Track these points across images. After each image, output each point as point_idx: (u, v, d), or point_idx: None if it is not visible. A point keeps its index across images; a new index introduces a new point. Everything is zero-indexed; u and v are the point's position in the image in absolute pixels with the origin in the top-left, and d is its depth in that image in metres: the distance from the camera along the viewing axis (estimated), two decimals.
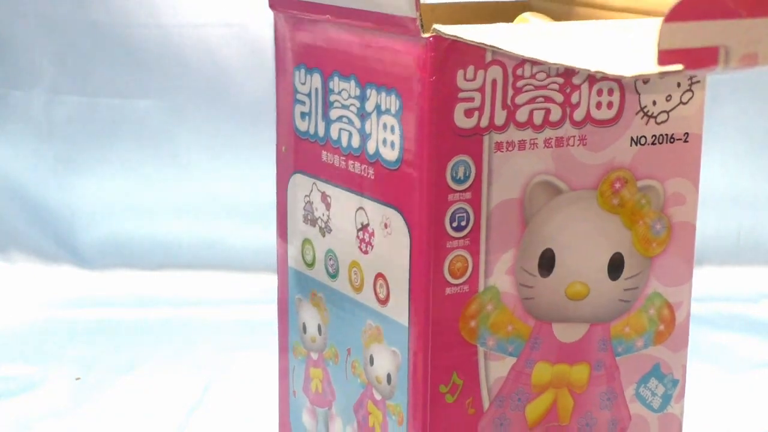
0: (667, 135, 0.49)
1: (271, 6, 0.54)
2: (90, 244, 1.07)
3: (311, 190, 0.53)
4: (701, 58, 0.33)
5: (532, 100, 0.45)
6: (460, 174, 0.44)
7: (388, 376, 0.48)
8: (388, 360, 0.48)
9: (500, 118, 0.44)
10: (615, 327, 0.49)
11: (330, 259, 0.52)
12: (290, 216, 0.56)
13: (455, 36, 0.41)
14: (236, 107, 1.04)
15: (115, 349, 0.89)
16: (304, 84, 0.52)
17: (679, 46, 0.33)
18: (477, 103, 0.44)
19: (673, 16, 0.32)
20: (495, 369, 0.47)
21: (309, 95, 0.52)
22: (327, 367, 0.54)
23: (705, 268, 1.03)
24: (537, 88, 0.45)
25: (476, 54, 0.43)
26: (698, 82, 0.49)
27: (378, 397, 0.49)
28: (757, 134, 1.02)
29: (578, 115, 0.46)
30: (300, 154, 0.54)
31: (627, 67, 0.34)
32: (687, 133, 0.49)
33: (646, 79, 0.47)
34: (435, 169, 0.44)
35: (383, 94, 0.46)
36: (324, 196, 0.52)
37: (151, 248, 1.06)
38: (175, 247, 1.06)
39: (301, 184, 0.54)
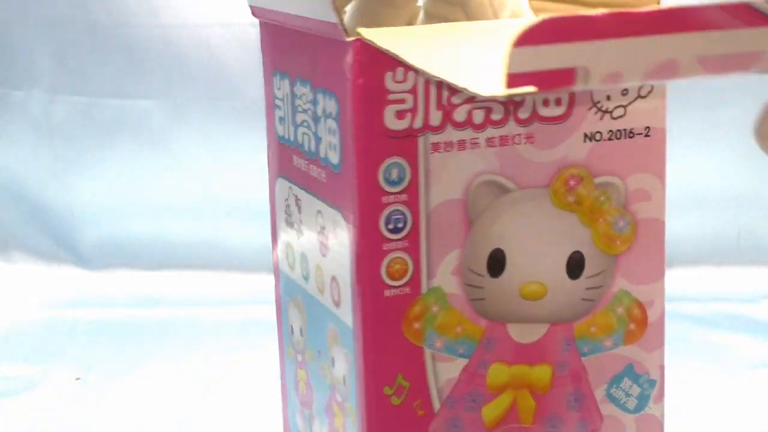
0: (625, 130, 0.48)
1: (253, 13, 0.55)
2: (90, 244, 1.07)
3: (288, 194, 0.53)
4: (556, 79, 0.33)
5: (470, 100, 0.44)
6: (394, 176, 0.44)
7: (344, 378, 0.48)
8: (343, 362, 0.48)
9: (435, 118, 0.44)
10: (579, 327, 0.49)
11: (303, 262, 0.52)
12: (277, 220, 0.56)
13: (371, 41, 0.41)
14: (236, 107, 1.04)
15: (115, 349, 0.89)
16: (279, 89, 0.53)
17: (530, 70, 0.33)
18: (409, 104, 0.43)
19: (523, 41, 0.32)
20: (444, 370, 0.47)
21: (282, 100, 0.52)
22: (307, 369, 0.54)
23: (705, 268, 1.03)
24: None
25: None
26: None
27: (339, 398, 0.50)
28: None
29: (523, 113, 0.45)
30: (280, 159, 0.54)
31: (485, 86, 0.34)
32: (648, 128, 0.48)
33: None
34: (367, 171, 0.43)
35: (326, 98, 0.46)
36: (297, 200, 0.52)
37: (151, 248, 1.06)
38: (175, 247, 1.06)
39: (281, 189, 0.54)
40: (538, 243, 0.47)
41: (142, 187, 1.06)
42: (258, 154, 1.04)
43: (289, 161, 0.53)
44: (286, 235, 0.55)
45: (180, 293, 1.02)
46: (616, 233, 0.48)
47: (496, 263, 0.47)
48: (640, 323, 0.50)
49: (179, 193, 1.06)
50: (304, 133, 0.50)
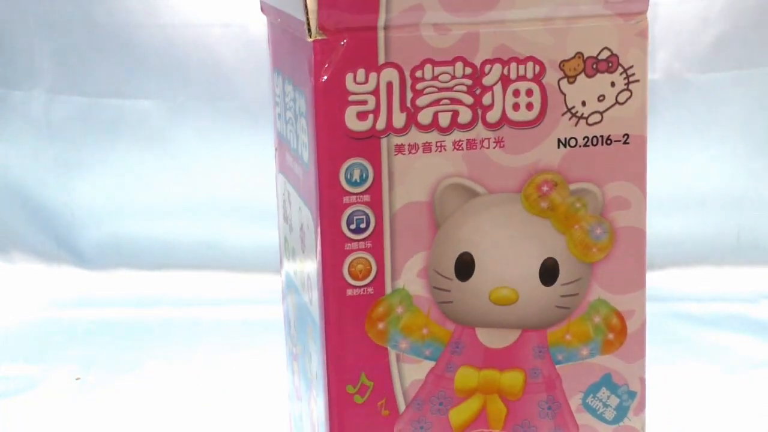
0: (602, 137, 0.47)
1: (261, 10, 0.56)
2: (90, 244, 1.07)
3: (284, 190, 0.54)
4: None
5: (435, 102, 0.44)
6: (356, 176, 0.44)
7: (317, 374, 0.49)
8: (316, 359, 0.49)
9: (399, 120, 0.44)
10: (553, 334, 0.48)
11: (293, 257, 0.53)
12: (278, 214, 0.57)
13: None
14: (236, 107, 1.04)
15: (115, 349, 0.89)
16: (277, 86, 0.54)
17: None
18: (371, 105, 0.43)
19: None
20: (410, 372, 0.47)
21: (280, 97, 0.53)
22: (299, 362, 0.55)
23: (705, 268, 1.03)
24: (440, 89, 0.44)
25: (368, 56, 0.43)
26: (637, 81, 0.47)
27: (314, 394, 0.50)
28: (757, 134, 1.02)
29: (492, 117, 0.45)
30: (280, 155, 0.55)
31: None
32: (627, 135, 0.47)
33: (571, 80, 0.46)
34: (328, 171, 0.44)
35: (300, 97, 0.46)
36: (289, 196, 0.53)
37: (151, 248, 1.06)
38: (175, 247, 1.06)
39: (280, 184, 0.55)
40: (509, 248, 0.47)
41: (142, 187, 1.06)
42: (258, 154, 1.04)
43: (283, 157, 0.54)
44: (283, 230, 0.56)
45: (180, 293, 1.02)
46: (592, 241, 0.48)
47: (464, 267, 0.47)
48: (619, 333, 0.49)
49: (179, 193, 1.06)
50: (290, 131, 0.50)
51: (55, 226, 1.08)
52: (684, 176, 1.03)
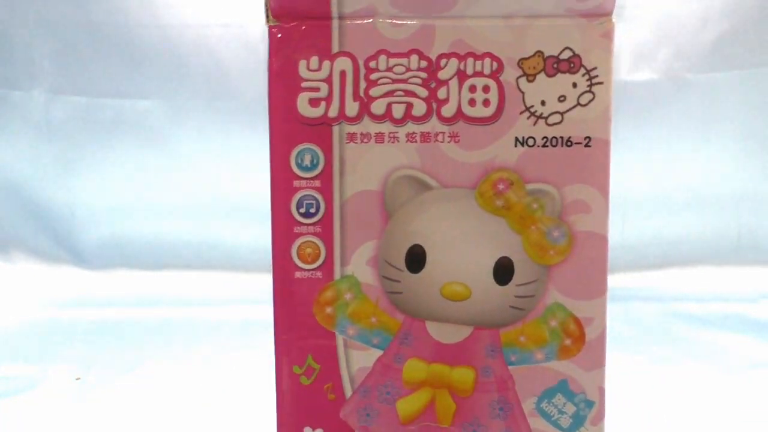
0: (561, 138, 0.46)
1: None
2: (90, 244, 1.07)
3: None
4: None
5: (389, 93, 0.45)
6: (306, 162, 0.45)
7: None
8: None
9: (352, 109, 0.45)
10: (507, 334, 0.48)
11: None
12: None
13: None
14: (236, 107, 1.04)
15: (115, 349, 0.89)
16: None
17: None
18: (323, 93, 0.44)
19: None
20: (357, 358, 0.47)
21: None
22: None
23: (705, 268, 1.03)
24: (395, 81, 0.45)
25: (321, 44, 0.44)
26: (600, 83, 0.46)
27: None
28: (757, 134, 1.03)
29: (447, 111, 0.45)
30: None
31: None
32: (588, 138, 0.46)
33: (531, 78, 0.45)
34: (279, 155, 0.45)
35: None
36: None
37: (151, 248, 1.06)
38: (175, 247, 1.06)
39: None
40: (462, 244, 0.47)
41: (142, 187, 1.06)
42: (258, 154, 1.04)
43: None
44: None
45: (180, 293, 1.02)
46: (549, 243, 0.47)
47: (415, 259, 0.47)
48: (577, 339, 0.48)
49: (179, 193, 1.06)
50: None
51: (55, 226, 1.08)
52: (684, 176, 1.03)
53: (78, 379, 0.82)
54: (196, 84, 1.04)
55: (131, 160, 1.06)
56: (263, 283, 1.01)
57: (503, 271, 0.47)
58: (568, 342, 0.48)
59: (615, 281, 1.02)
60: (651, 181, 1.03)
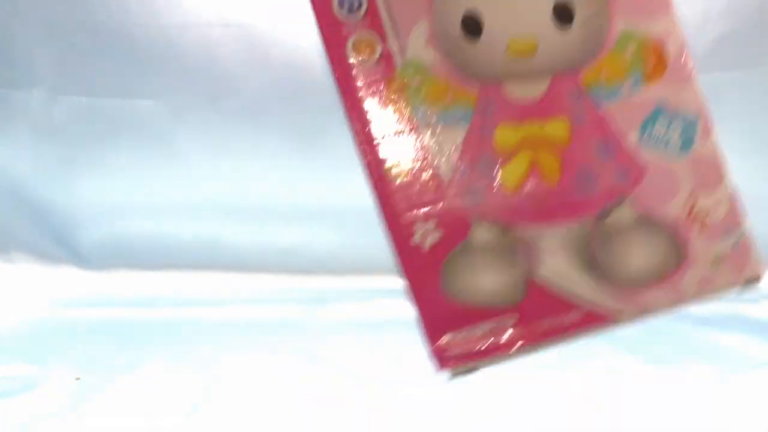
0: None
1: None
2: (90, 244, 1.07)
3: None
4: None
5: None
6: None
7: None
8: None
9: None
10: (587, 76, 0.47)
11: None
12: None
13: None
14: (236, 107, 1.04)
15: (115, 349, 0.89)
16: None
17: None
18: None
19: None
20: (446, 140, 0.47)
21: None
22: None
23: None
24: None
25: None
26: None
27: None
28: (757, 134, 1.02)
29: None
30: None
31: None
32: None
33: None
34: None
35: None
36: None
37: (151, 248, 1.06)
38: (175, 247, 1.06)
39: None
40: None
41: (142, 187, 1.06)
42: (258, 153, 1.04)
43: None
44: None
45: (180, 293, 1.02)
46: None
47: (473, 24, 0.46)
48: (659, 60, 0.47)
49: (179, 193, 1.06)
50: None
51: (55, 226, 1.08)
52: None
53: (78, 379, 0.82)
54: (196, 84, 1.03)
55: (131, 160, 1.06)
56: (263, 283, 1.01)
57: (562, 12, 0.46)
58: (650, 65, 0.47)
59: None
60: None
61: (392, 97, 0.46)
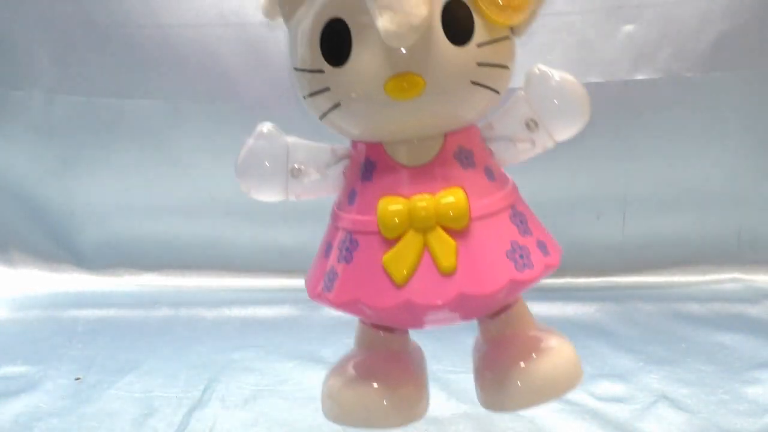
0: None
1: None
2: (90, 244, 1.07)
3: None
4: None
5: None
6: None
7: None
8: None
9: None
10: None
11: None
12: None
13: None
14: (236, 107, 1.04)
15: (115, 349, 0.89)
16: None
17: None
18: None
19: None
20: None
21: None
22: None
23: (705, 268, 1.03)
24: None
25: None
26: None
27: None
28: (757, 134, 1.02)
29: None
30: None
31: None
32: None
33: None
34: None
35: None
36: None
37: (151, 248, 1.06)
38: (175, 247, 1.06)
39: None
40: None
41: (141, 187, 1.06)
42: None
43: None
44: None
45: (180, 293, 1.02)
46: None
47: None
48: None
49: (179, 193, 1.06)
50: None
51: (55, 226, 1.08)
52: (684, 176, 1.03)
53: (78, 379, 0.82)
54: (196, 84, 1.03)
55: (131, 161, 1.06)
56: (263, 283, 1.01)
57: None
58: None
59: (615, 281, 1.02)
60: (651, 181, 1.03)
61: None
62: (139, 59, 1.03)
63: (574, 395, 0.74)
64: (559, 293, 0.98)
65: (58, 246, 1.07)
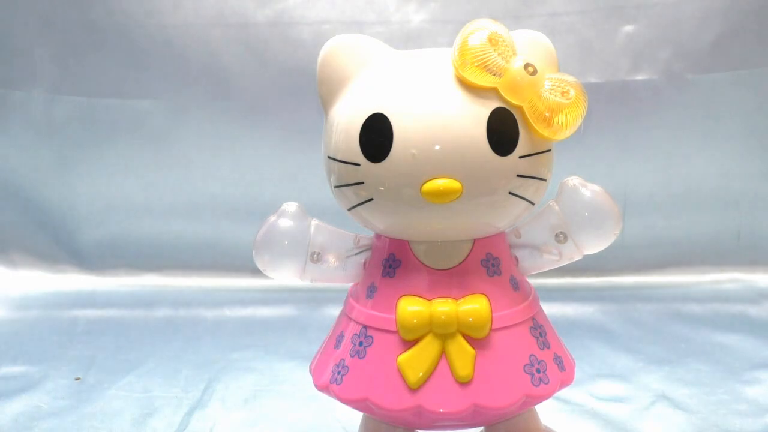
0: None
1: None
2: (90, 244, 1.07)
3: None
4: None
5: None
6: None
7: None
8: None
9: None
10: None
11: None
12: None
13: None
14: (236, 107, 1.04)
15: (115, 349, 0.89)
16: None
17: None
18: None
19: None
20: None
21: None
22: None
23: (705, 268, 1.03)
24: None
25: None
26: None
27: None
28: (757, 134, 1.02)
29: None
30: None
31: None
32: None
33: None
34: None
35: None
36: None
37: (151, 248, 1.06)
38: (175, 247, 1.06)
39: None
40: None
41: (142, 187, 1.06)
42: (258, 153, 1.04)
43: None
44: None
45: (180, 293, 1.02)
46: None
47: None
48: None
49: (179, 193, 1.06)
50: None
51: (55, 226, 1.08)
52: (684, 176, 1.03)
53: (78, 379, 0.82)
54: (197, 84, 1.03)
55: (131, 160, 1.06)
56: (263, 283, 1.01)
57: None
58: None
59: (615, 281, 1.02)
60: (651, 181, 1.03)
61: None
62: (139, 59, 1.03)
63: (574, 395, 0.74)
64: (559, 293, 0.98)
65: (58, 246, 1.07)
